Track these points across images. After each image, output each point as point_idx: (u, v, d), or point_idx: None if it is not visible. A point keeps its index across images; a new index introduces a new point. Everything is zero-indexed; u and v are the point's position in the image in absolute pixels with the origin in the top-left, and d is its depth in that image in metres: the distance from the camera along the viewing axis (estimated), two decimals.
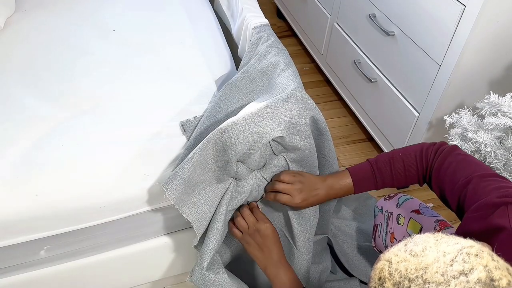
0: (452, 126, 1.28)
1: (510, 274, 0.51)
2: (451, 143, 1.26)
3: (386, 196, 1.17)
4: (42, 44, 1.28)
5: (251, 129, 0.89)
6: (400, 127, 1.54)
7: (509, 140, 1.14)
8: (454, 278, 0.50)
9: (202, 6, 1.51)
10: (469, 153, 1.23)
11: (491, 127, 1.15)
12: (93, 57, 1.24)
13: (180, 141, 1.02)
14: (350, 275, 1.30)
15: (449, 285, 0.49)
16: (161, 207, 1.02)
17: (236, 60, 1.34)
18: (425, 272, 0.51)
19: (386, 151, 1.66)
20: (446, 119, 1.28)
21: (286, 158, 1.00)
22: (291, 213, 1.06)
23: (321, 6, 1.93)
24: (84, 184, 0.94)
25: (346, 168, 0.98)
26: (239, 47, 1.36)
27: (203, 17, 1.45)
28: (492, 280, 0.49)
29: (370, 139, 1.88)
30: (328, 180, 0.97)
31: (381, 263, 0.56)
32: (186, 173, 0.89)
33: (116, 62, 1.22)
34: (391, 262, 0.55)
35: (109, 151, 0.98)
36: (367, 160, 0.97)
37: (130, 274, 1.18)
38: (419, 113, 1.43)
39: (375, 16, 1.54)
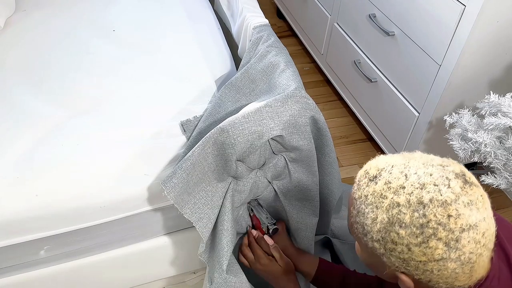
0: (452, 126, 1.28)
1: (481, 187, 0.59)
2: (451, 143, 1.26)
3: None
4: (42, 44, 1.28)
5: (251, 128, 0.89)
6: (400, 127, 1.54)
7: (509, 140, 1.14)
8: (432, 166, 0.59)
9: (202, 6, 1.51)
10: (469, 153, 1.23)
11: (491, 127, 1.15)
12: (93, 57, 1.24)
13: (180, 141, 1.02)
14: None
15: (427, 169, 0.58)
16: (161, 207, 1.02)
17: (236, 60, 1.34)
18: (409, 162, 0.60)
19: (386, 151, 1.67)
20: (446, 119, 1.28)
21: (285, 157, 1.00)
22: (290, 213, 1.06)
23: (321, 6, 1.93)
24: (84, 184, 0.94)
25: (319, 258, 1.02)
26: (239, 47, 1.36)
27: (203, 17, 1.45)
28: (464, 175, 0.58)
29: (370, 139, 1.88)
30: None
31: (372, 161, 0.64)
32: (185, 171, 0.89)
33: (116, 62, 1.22)
34: (379, 160, 0.63)
35: (109, 151, 0.98)
36: (341, 266, 1.02)
37: (130, 274, 1.18)
38: (419, 113, 1.43)
39: (375, 16, 1.54)
